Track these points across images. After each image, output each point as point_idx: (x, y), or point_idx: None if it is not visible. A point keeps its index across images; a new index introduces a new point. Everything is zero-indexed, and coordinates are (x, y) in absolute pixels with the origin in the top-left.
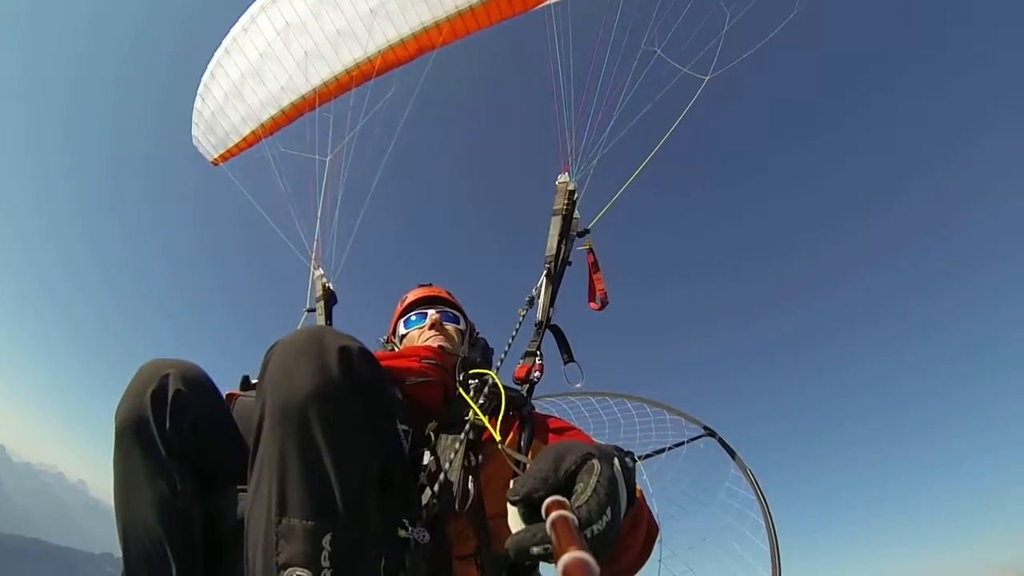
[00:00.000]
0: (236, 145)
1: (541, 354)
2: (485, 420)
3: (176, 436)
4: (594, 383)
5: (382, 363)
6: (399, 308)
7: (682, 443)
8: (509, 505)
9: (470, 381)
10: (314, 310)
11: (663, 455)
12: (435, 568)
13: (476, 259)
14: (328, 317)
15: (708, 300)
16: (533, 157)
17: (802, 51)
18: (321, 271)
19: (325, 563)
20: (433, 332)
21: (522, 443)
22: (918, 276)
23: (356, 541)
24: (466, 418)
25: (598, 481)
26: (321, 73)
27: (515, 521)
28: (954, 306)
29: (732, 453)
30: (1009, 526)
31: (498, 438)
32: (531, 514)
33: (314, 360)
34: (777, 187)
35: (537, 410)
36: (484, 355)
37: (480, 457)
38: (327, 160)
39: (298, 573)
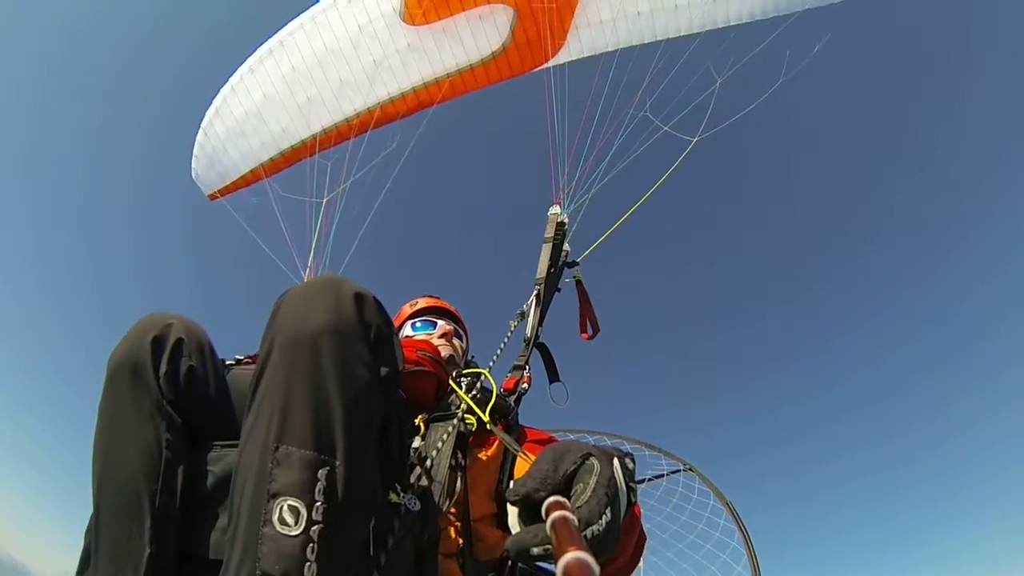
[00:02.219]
0: (234, 182)
1: (529, 368)
2: (475, 407)
3: (171, 385)
4: (577, 410)
5: None
6: (406, 310)
7: (662, 475)
8: (509, 505)
9: (462, 379)
10: None
11: (643, 484)
12: (421, 546)
13: (469, 278)
14: None
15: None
16: (528, 188)
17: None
18: None
19: (319, 497)
20: (443, 341)
21: (505, 447)
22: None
23: (351, 482)
24: (456, 411)
25: (598, 481)
26: (322, 120)
27: (515, 521)
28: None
29: (712, 487)
30: None
31: (486, 419)
32: (531, 514)
33: (330, 300)
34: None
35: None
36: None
37: (467, 458)
38: (323, 202)
39: (290, 503)
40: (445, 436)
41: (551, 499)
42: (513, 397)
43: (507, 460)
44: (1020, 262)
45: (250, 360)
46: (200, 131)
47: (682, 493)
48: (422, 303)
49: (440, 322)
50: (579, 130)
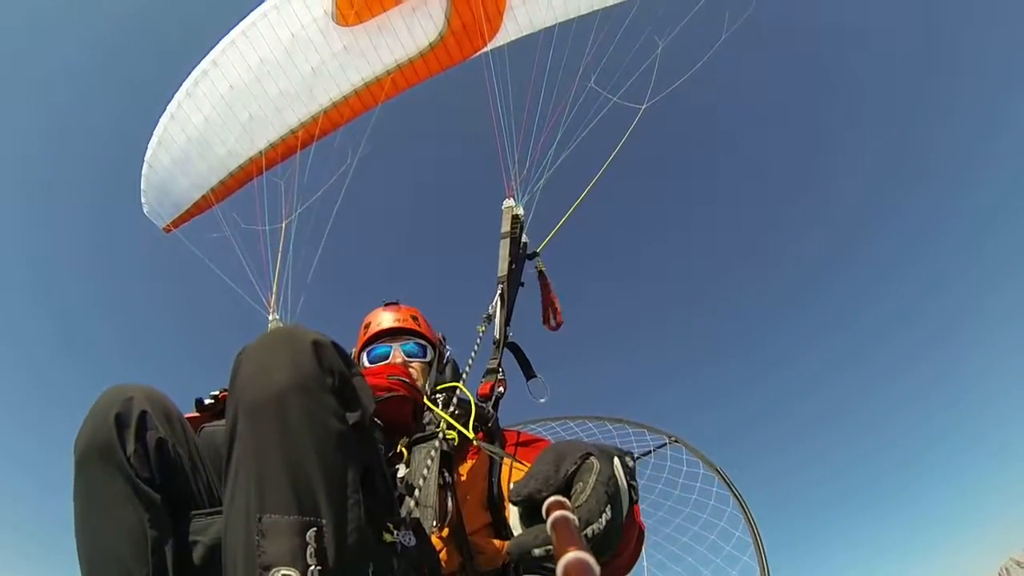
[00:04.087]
0: (188, 211)
1: (503, 370)
2: (456, 424)
3: (142, 462)
4: (556, 400)
5: None
6: (361, 335)
7: (649, 451)
8: (510, 506)
9: (437, 395)
10: None
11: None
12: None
13: (430, 284)
14: None
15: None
16: (481, 184)
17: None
18: (277, 316)
19: (311, 560)
20: (392, 365)
21: (489, 457)
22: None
23: (342, 537)
24: (437, 430)
25: (597, 480)
26: (267, 136)
27: (517, 523)
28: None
29: (699, 455)
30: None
31: (470, 435)
32: (532, 515)
33: (287, 355)
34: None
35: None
36: (454, 376)
37: (454, 475)
38: (281, 227)
39: (284, 572)
40: (430, 461)
41: (551, 499)
42: (491, 403)
43: (493, 467)
44: None
45: (225, 395)
46: (145, 164)
47: (671, 467)
48: (374, 326)
49: (393, 347)
50: (525, 113)
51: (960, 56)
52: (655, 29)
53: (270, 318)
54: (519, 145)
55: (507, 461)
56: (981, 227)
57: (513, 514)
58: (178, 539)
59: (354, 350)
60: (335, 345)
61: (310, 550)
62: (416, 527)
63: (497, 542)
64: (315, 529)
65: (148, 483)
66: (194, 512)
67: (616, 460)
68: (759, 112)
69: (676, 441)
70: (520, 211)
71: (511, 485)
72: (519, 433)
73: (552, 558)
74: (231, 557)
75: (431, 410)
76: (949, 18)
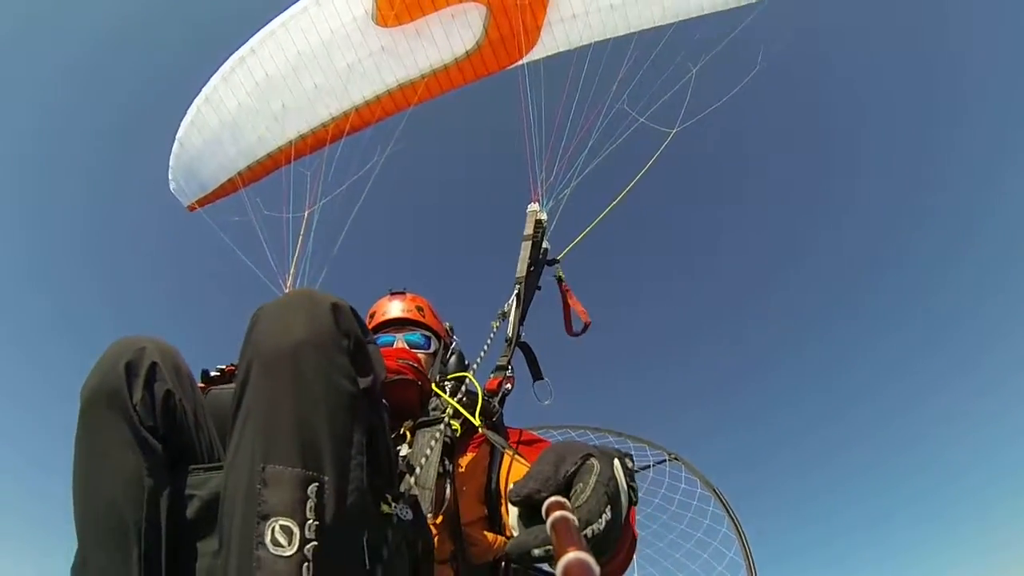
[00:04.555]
0: (213, 192)
1: (512, 368)
2: (463, 411)
3: (148, 411)
4: (560, 405)
5: None
6: (366, 320)
7: (648, 466)
8: (511, 506)
9: (446, 383)
10: None
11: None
12: (416, 555)
13: (449, 278)
14: None
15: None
16: (506, 187)
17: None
18: None
19: (310, 514)
20: (403, 348)
21: (494, 448)
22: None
23: (342, 496)
24: (443, 415)
25: (597, 480)
26: (298, 127)
27: (516, 523)
28: None
29: (698, 474)
30: None
31: (476, 421)
32: (532, 515)
33: (306, 312)
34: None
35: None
36: (459, 367)
37: (454, 464)
38: (304, 215)
39: (282, 523)
40: (432, 443)
41: (551, 499)
42: (497, 398)
43: (493, 461)
44: None
45: (232, 369)
46: (176, 142)
47: (669, 483)
48: (379, 316)
49: (397, 337)
50: (555, 126)
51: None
52: (689, 55)
53: None
54: (548, 153)
55: (507, 458)
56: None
57: (512, 514)
58: (174, 491)
59: None
60: (353, 310)
61: (310, 504)
62: (414, 504)
63: (490, 536)
64: (317, 484)
65: (151, 432)
66: (193, 466)
67: (616, 461)
68: (789, 143)
69: (676, 459)
70: (544, 216)
71: (510, 482)
72: (521, 432)
73: (551, 558)
74: (230, 503)
75: (439, 396)
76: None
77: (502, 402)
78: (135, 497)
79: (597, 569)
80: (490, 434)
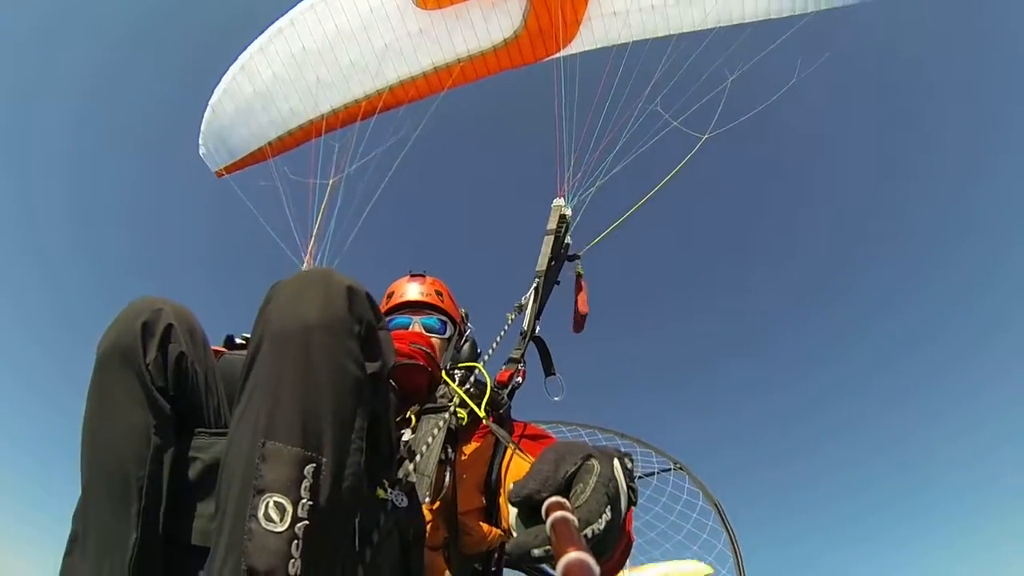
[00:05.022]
0: (242, 159)
1: (524, 361)
2: (470, 401)
3: (160, 371)
4: (569, 402)
5: None
6: (384, 303)
7: (652, 473)
8: (510, 506)
9: (455, 372)
10: None
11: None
12: (406, 541)
13: (468, 266)
14: None
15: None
16: (533, 179)
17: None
18: None
19: (304, 494)
20: (417, 332)
21: (499, 441)
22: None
23: (338, 479)
24: (449, 403)
25: (598, 481)
26: (331, 101)
27: (516, 523)
28: None
29: (701, 486)
30: None
31: (481, 413)
32: (532, 515)
33: (321, 294)
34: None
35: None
36: (472, 355)
37: (456, 452)
38: (328, 183)
39: (276, 499)
40: (436, 430)
41: (551, 500)
42: (507, 391)
43: (496, 453)
44: None
45: (236, 347)
46: (208, 108)
47: (672, 493)
48: (397, 296)
49: (414, 320)
50: (587, 121)
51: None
52: (726, 61)
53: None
54: (577, 148)
55: (510, 451)
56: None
57: (512, 514)
58: (179, 452)
59: None
60: (368, 295)
61: (305, 483)
62: (410, 491)
63: (485, 527)
64: (314, 465)
65: (162, 392)
66: (199, 430)
67: (616, 462)
68: (824, 155)
69: (681, 468)
70: (568, 212)
71: (510, 475)
72: (526, 425)
73: (551, 558)
74: (229, 474)
75: (447, 384)
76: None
77: (511, 395)
78: (140, 454)
79: (597, 569)
80: (494, 426)
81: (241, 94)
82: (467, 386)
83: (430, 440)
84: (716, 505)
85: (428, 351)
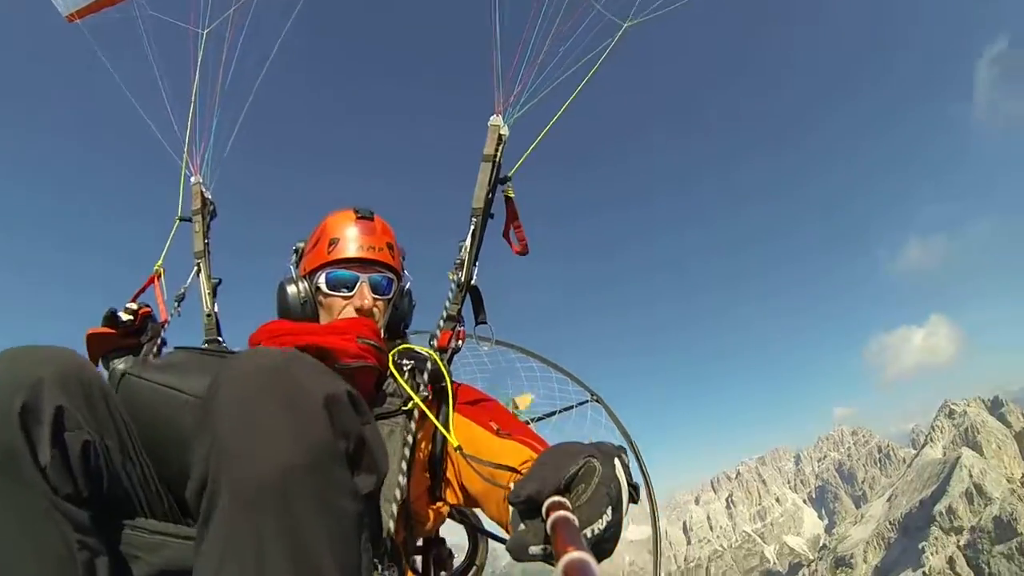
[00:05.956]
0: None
1: (462, 319)
2: (425, 409)
3: (62, 472)
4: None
5: (312, 338)
6: (322, 246)
7: (571, 407)
8: (510, 507)
9: (404, 362)
10: (189, 220)
11: (554, 418)
12: None
13: (394, 182)
14: (206, 233)
15: None
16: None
17: None
18: (199, 177)
19: None
20: (360, 320)
21: (440, 417)
22: None
23: None
24: (404, 409)
25: (599, 481)
26: None
27: (514, 518)
28: None
29: (616, 421)
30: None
31: (453, 442)
32: (532, 515)
33: (292, 419)
34: None
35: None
36: (409, 309)
37: (413, 456)
38: (203, 33)
39: None
40: (404, 464)
41: (552, 499)
42: (447, 356)
43: (437, 430)
44: None
45: (146, 311)
46: None
47: (590, 427)
48: (343, 246)
49: (361, 277)
50: (527, 24)
51: None
52: None
53: (193, 180)
54: (516, 57)
55: (455, 418)
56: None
57: (513, 515)
58: (114, 557)
59: (302, 261)
60: (350, 396)
61: None
62: (395, 555)
63: (432, 512)
64: None
65: (73, 499)
66: (133, 524)
67: (617, 461)
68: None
69: (598, 401)
70: (507, 131)
71: (455, 440)
72: (459, 386)
73: (549, 556)
74: None
75: (395, 379)
76: None
77: (450, 360)
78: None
79: (597, 569)
80: (439, 424)
81: None
82: (422, 384)
83: (401, 479)
84: (630, 441)
85: (378, 346)
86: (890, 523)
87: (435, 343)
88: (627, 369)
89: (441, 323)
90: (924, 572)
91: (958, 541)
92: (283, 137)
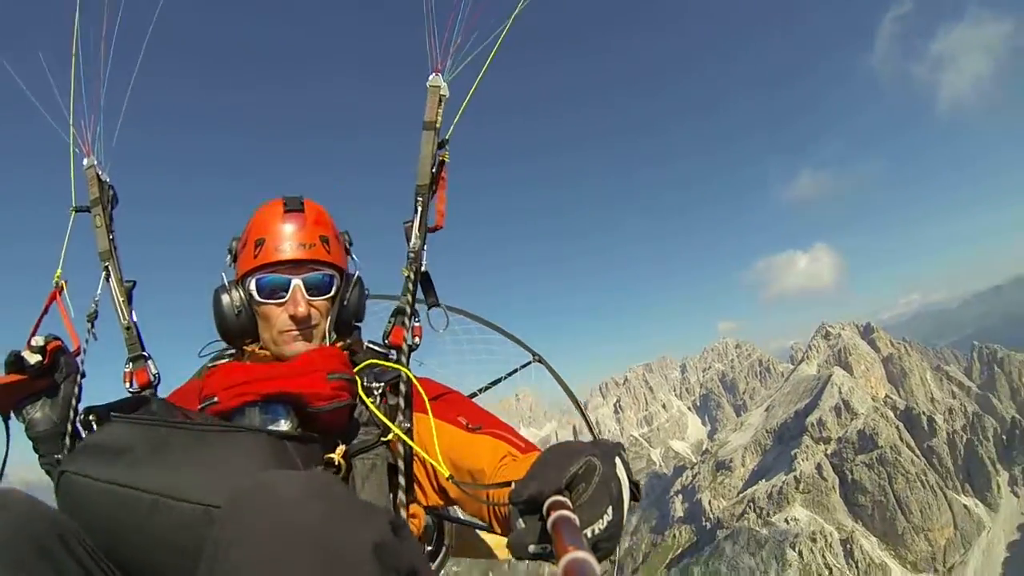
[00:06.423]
0: None
1: (416, 313)
2: (401, 432)
3: None
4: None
5: (278, 384)
6: (250, 249)
7: (515, 371)
8: (510, 507)
9: (374, 385)
10: (86, 210)
11: (503, 381)
12: None
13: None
14: (109, 227)
15: None
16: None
17: None
18: (93, 158)
19: None
20: (294, 330)
21: (400, 418)
22: None
23: None
24: (384, 440)
25: (601, 481)
26: None
27: (514, 516)
28: None
29: (559, 379)
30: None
31: (445, 473)
32: (532, 512)
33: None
34: None
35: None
36: (360, 304)
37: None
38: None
39: None
40: (390, 496)
41: (553, 499)
42: (405, 355)
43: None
44: None
45: (55, 345)
46: None
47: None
48: (272, 247)
49: (294, 280)
50: None
51: None
52: None
53: (86, 163)
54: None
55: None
56: None
57: (513, 515)
58: None
59: (235, 266)
60: (402, 538)
61: None
62: None
63: (412, 524)
64: None
65: None
66: None
67: (618, 460)
68: None
69: (540, 361)
70: (447, 91)
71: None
72: (431, 383)
73: (548, 555)
74: None
75: (366, 405)
76: None
77: (408, 358)
78: None
79: (598, 569)
80: (409, 441)
81: None
82: (395, 404)
83: (381, 502)
84: (575, 400)
85: (349, 378)
86: (767, 431)
87: (388, 340)
88: (518, 277)
89: (393, 319)
90: (795, 476)
91: (826, 450)
92: (194, 99)
